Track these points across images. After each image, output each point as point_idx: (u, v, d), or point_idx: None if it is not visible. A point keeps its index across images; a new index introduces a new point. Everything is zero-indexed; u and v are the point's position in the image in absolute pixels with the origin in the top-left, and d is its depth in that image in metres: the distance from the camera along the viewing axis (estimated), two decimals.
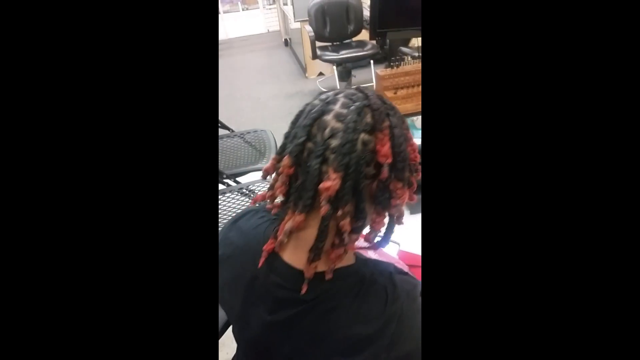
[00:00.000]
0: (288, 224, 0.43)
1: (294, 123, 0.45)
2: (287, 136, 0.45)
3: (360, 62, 3.10)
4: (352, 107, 0.41)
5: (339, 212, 0.40)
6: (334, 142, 0.40)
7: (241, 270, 0.50)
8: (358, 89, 0.45)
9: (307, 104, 0.45)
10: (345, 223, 0.40)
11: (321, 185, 0.39)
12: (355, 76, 3.30)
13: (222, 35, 5.23)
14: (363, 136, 0.40)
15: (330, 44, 3.02)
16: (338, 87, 3.04)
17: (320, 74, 3.59)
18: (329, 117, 0.41)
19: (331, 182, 0.39)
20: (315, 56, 2.88)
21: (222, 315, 0.77)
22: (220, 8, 5.35)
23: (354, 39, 3.05)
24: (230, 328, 0.58)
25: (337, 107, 0.42)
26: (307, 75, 3.62)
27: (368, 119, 0.41)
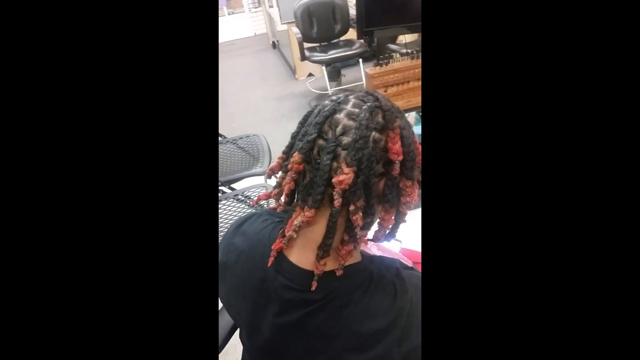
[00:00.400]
0: (297, 220, 0.43)
1: (302, 123, 0.46)
2: (294, 136, 0.46)
3: (349, 61, 3.10)
4: (364, 107, 0.42)
5: (352, 207, 0.41)
6: (346, 139, 0.41)
7: (248, 274, 0.50)
8: (367, 92, 0.46)
9: (316, 105, 0.46)
10: (358, 217, 0.41)
11: (335, 179, 0.40)
12: (345, 75, 3.30)
13: None
14: (374, 134, 0.41)
15: (318, 44, 3.02)
16: (328, 87, 3.04)
17: (310, 75, 3.59)
18: (340, 116, 0.42)
19: (345, 176, 0.39)
20: (303, 57, 2.88)
21: (225, 323, 0.76)
22: None
23: (342, 38, 3.05)
24: (235, 336, 0.57)
25: (348, 107, 0.43)
26: (296, 76, 3.61)
27: (379, 118, 0.42)
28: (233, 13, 5.44)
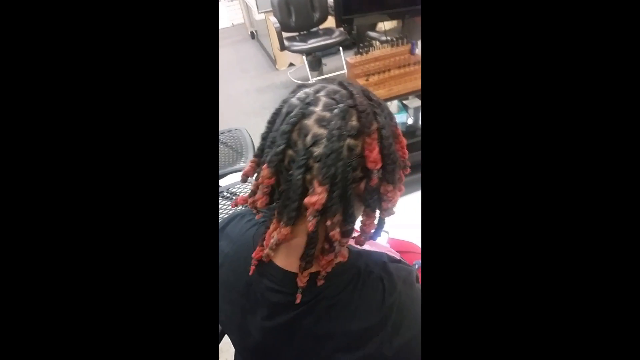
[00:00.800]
0: (274, 237, 0.41)
1: (271, 123, 0.42)
2: (264, 137, 0.43)
3: (330, 50, 3.07)
4: (336, 110, 0.38)
5: (328, 222, 0.39)
6: (318, 150, 0.37)
7: (234, 278, 0.49)
8: (341, 84, 0.42)
9: (284, 102, 0.42)
10: (335, 233, 0.39)
11: (307, 200, 0.37)
12: (325, 64, 3.27)
13: None
14: (349, 141, 0.38)
15: (297, 33, 2.97)
16: (310, 77, 3.01)
17: (291, 64, 3.54)
18: (310, 122, 0.38)
19: (317, 197, 0.37)
20: (283, 47, 2.83)
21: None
22: None
23: (321, 26, 3.01)
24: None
25: (318, 109, 0.38)
26: (277, 67, 3.56)
27: (354, 121, 0.38)
28: None
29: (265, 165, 0.40)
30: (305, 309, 0.44)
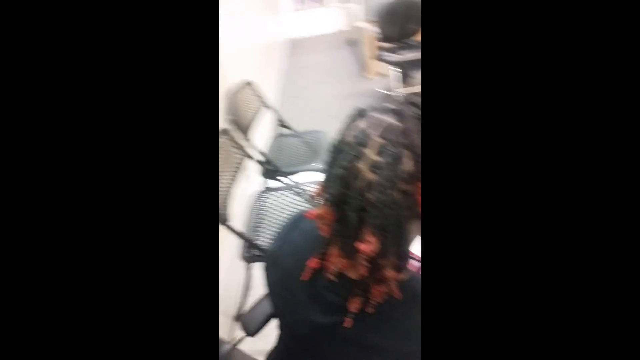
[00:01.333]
0: (335, 264, 0.43)
1: (331, 154, 0.43)
2: (329, 166, 0.43)
3: (418, 63, 3.06)
4: (387, 157, 0.37)
5: (381, 262, 0.39)
6: (370, 196, 0.37)
7: (298, 270, 0.51)
8: (399, 114, 0.39)
9: (341, 134, 0.42)
10: (389, 272, 0.39)
11: (359, 247, 0.38)
12: (414, 77, 3.27)
13: (291, 35, 5.48)
14: (402, 186, 0.37)
15: (393, 44, 3.03)
16: (393, 89, 3.06)
17: (380, 74, 3.62)
18: (362, 166, 0.38)
19: (369, 245, 0.37)
20: (375, 57, 2.92)
21: (266, 308, 0.78)
22: (292, 6, 5.59)
23: (415, 38, 3.02)
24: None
25: (370, 153, 0.38)
26: (367, 75, 3.68)
27: (407, 165, 0.37)
28: (318, 7, 5.52)
29: (325, 205, 0.42)
30: (355, 317, 0.44)
